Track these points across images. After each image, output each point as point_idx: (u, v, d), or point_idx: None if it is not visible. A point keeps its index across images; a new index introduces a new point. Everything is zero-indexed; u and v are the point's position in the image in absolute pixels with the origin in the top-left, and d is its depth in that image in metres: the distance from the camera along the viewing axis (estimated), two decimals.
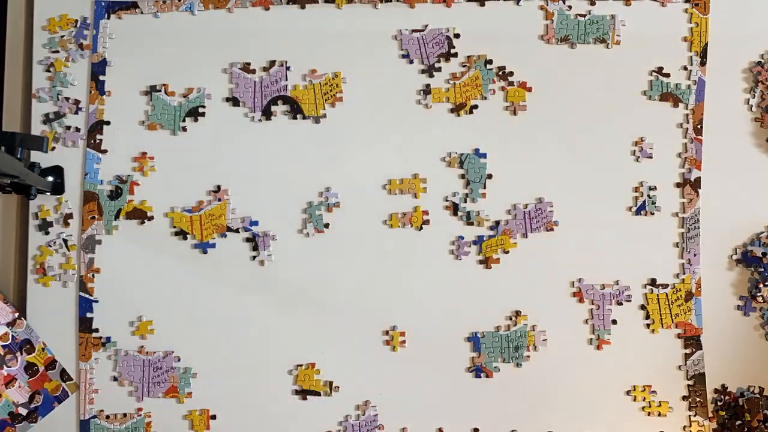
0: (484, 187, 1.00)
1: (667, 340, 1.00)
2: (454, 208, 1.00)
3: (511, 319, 1.00)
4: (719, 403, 0.99)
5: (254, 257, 0.99)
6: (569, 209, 1.00)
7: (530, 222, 1.00)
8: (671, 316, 1.00)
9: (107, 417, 0.99)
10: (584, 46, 1.02)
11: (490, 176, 1.00)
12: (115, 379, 0.99)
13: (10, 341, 0.87)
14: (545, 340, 0.99)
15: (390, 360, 0.99)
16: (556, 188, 1.00)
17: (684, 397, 0.99)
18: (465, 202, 1.00)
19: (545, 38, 1.02)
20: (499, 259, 1.00)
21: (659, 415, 0.99)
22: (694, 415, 0.99)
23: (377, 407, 0.99)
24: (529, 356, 0.99)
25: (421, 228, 1.00)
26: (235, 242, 0.99)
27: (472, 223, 1.00)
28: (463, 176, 1.01)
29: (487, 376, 0.99)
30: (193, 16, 1.01)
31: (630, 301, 1.00)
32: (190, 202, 1.00)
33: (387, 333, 1.00)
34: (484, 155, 1.01)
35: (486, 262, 1.00)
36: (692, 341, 1.00)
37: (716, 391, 0.99)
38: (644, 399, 0.99)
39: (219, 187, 1.00)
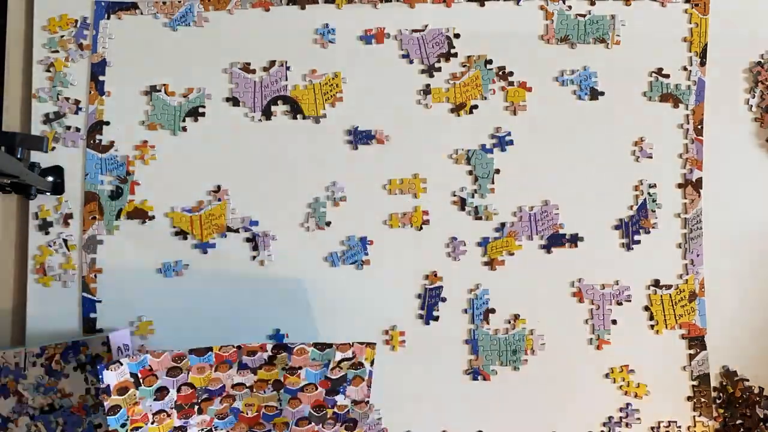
0: (493, 183, 1.00)
1: (671, 341, 0.99)
2: (462, 203, 1.00)
3: (509, 322, 0.99)
4: (718, 401, 0.99)
5: (254, 257, 0.99)
6: (570, 210, 1.00)
7: (536, 224, 1.00)
8: (675, 317, 1.00)
9: None
10: (584, 46, 1.02)
11: (498, 171, 1.00)
12: None
13: (342, 412, 0.89)
14: (543, 344, 0.99)
15: (390, 359, 0.99)
16: (557, 188, 1.00)
17: (689, 398, 0.99)
18: (473, 197, 1.00)
19: (545, 38, 1.02)
20: (504, 261, 1.00)
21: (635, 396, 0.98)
22: (699, 416, 0.98)
23: (380, 410, 0.98)
24: (527, 359, 0.99)
25: (421, 228, 1.00)
26: (235, 242, 0.99)
27: (480, 218, 1.00)
28: (470, 172, 1.00)
29: (485, 379, 0.99)
30: (193, 17, 1.01)
31: (630, 301, 1.00)
32: (190, 202, 1.00)
33: (387, 333, 0.99)
34: (490, 150, 1.00)
35: (491, 263, 1.00)
36: (696, 342, 0.99)
37: (716, 389, 0.99)
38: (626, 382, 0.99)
39: (219, 187, 1.00)
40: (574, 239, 1.00)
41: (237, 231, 0.99)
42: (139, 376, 0.82)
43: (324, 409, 0.88)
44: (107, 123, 1.00)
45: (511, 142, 1.00)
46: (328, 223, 0.99)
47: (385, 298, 0.99)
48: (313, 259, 0.99)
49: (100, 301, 0.98)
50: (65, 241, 0.98)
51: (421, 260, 1.00)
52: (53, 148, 0.99)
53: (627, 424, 0.98)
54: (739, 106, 1.02)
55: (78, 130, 1.00)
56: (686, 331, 0.99)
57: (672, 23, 1.02)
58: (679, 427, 0.98)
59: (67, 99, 1.00)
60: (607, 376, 0.99)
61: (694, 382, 0.99)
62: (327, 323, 0.98)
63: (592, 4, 1.02)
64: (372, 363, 0.88)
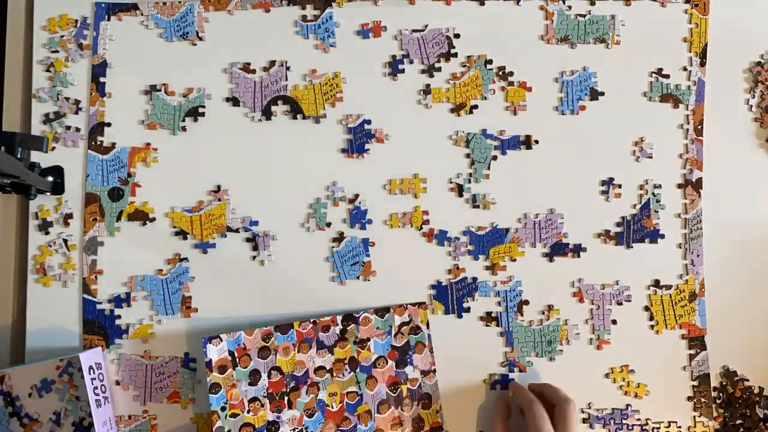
0: (488, 168, 1.00)
1: (671, 341, 0.99)
2: (459, 190, 1.00)
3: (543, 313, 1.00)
4: (718, 401, 0.99)
5: (254, 257, 0.99)
6: (571, 213, 1.00)
7: (540, 232, 1.00)
8: (675, 317, 0.99)
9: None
10: (584, 46, 1.02)
11: (495, 158, 1.00)
12: (118, 383, 0.98)
13: (415, 387, 0.93)
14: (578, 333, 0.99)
15: None
16: (557, 189, 1.00)
17: (689, 398, 0.99)
18: (469, 182, 1.00)
19: (545, 38, 1.02)
20: (506, 266, 1.00)
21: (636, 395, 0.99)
22: (699, 416, 0.98)
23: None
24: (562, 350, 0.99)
25: (421, 228, 1.00)
26: (235, 242, 0.99)
27: (478, 206, 1.00)
28: (468, 155, 1.00)
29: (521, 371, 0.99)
30: (193, 17, 1.01)
31: (630, 301, 1.00)
32: (190, 202, 1.00)
33: None
34: (491, 136, 1.00)
35: (492, 268, 1.00)
36: (696, 342, 0.99)
37: (716, 389, 0.99)
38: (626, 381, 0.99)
39: (219, 187, 1.00)
40: (577, 249, 1.00)
41: (237, 231, 0.99)
42: (236, 354, 0.87)
43: (399, 387, 0.91)
44: (108, 125, 1.00)
45: (517, 146, 1.00)
46: (329, 224, 0.99)
47: (390, 300, 0.99)
48: (313, 260, 0.99)
49: (100, 303, 0.98)
50: (65, 241, 0.99)
51: (423, 261, 0.99)
52: (53, 148, 0.99)
53: (627, 425, 0.98)
54: (739, 106, 1.02)
55: (78, 130, 1.00)
56: (686, 331, 0.99)
57: (672, 23, 1.02)
58: (679, 427, 0.98)
59: (67, 99, 1.00)
60: (607, 376, 0.99)
61: (694, 382, 0.99)
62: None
63: (592, 4, 1.02)
64: (428, 326, 0.92)
